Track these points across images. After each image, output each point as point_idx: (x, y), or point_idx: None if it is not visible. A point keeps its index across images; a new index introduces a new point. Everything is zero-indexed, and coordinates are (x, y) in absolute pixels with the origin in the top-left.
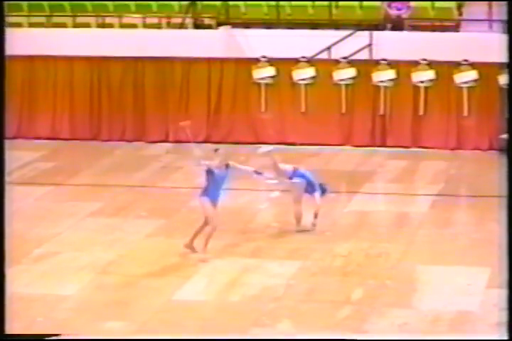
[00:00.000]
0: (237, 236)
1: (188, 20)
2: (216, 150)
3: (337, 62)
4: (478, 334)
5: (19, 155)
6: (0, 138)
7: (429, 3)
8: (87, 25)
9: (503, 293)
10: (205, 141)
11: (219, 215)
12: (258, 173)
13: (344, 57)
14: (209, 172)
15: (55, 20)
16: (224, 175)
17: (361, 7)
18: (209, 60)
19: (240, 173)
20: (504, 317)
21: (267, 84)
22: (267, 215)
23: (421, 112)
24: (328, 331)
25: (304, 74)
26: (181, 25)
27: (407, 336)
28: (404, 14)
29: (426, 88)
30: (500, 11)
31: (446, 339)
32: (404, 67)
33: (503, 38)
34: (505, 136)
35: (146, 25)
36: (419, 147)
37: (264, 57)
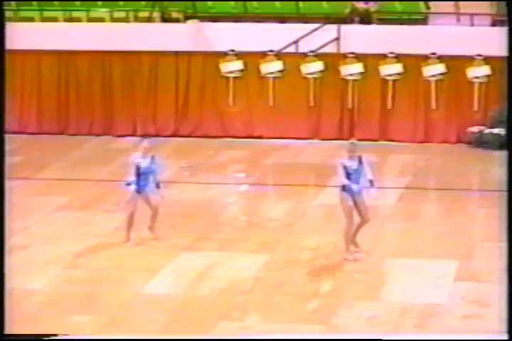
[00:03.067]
0: (205, 230)
1: (156, 14)
2: (352, 143)
3: (305, 55)
4: (445, 327)
5: None
6: (0, 135)
7: None
8: (54, 19)
9: (471, 285)
10: (173, 135)
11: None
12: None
13: (312, 51)
14: (345, 168)
15: (23, 14)
16: (358, 167)
17: (328, 1)
18: (177, 54)
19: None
20: (471, 310)
21: (234, 78)
22: (235, 208)
23: (389, 105)
24: (297, 324)
25: (271, 67)
26: (149, 19)
27: (376, 329)
28: (372, 7)
29: (394, 81)
30: (467, 4)
31: (447, 339)
32: (372, 60)
33: (472, 31)
34: (473, 128)
35: (113, 19)
36: (387, 140)
37: (231, 50)
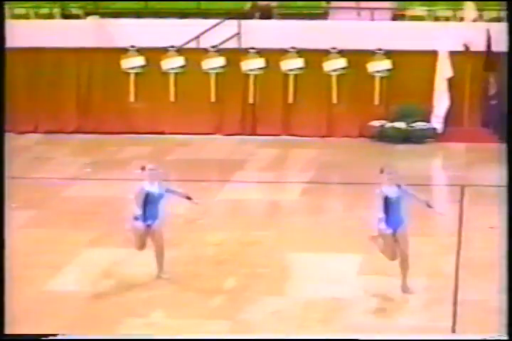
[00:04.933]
0: (108, 227)
1: (56, 10)
2: (381, 171)
3: (206, 51)
4: (350, 321)
5: None
6: (0, 135)
7: None
8: None
9: (375, 279)
10: (76, 131)
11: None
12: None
13: (213, 46)
14: (386, 198)
15: None
16: (398, 195)
17: None
18: (78, 50)
19: (408, 196)
20: (375, 303)
21: (136, 74)
22: None
23: (290, 100)
24: (202, 320)
25: (173, 63)
26: (49, 15)
27: (282, 323)
28: (273, 3)
29: (295, 76)
30: None
31: (446, 339)
32: (273, 55)
33: (372, 25)
34: (374, 122)
35: (13, 16)
36: (290, 135)
37: (133, 46)
